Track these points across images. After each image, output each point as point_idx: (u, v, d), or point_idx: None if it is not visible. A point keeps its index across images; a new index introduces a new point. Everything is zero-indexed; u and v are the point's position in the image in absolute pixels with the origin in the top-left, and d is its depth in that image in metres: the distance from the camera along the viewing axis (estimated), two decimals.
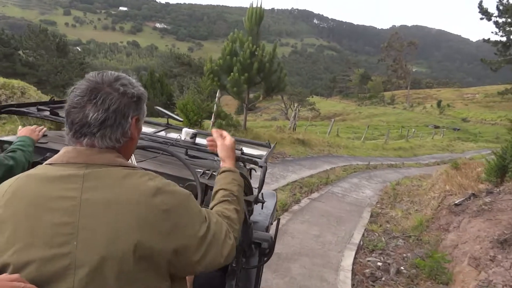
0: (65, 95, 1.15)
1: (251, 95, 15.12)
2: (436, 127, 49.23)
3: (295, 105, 46.56)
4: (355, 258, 4.89)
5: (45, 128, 2.00)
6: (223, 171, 1.40)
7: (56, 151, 1.36)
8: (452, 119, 60.74)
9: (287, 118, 50.81)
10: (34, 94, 6.47)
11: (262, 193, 2.22)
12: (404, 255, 5.10)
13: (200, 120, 10.93)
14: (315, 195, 7.62)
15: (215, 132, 1.56)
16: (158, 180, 1.03)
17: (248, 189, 2.05)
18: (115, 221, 0.92)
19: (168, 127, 2.79)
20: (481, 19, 21.71)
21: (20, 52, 35.77)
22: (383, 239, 5.74)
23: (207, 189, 1.80)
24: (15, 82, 6.72)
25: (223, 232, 1.12)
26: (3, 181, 1.03)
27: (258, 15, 11.20)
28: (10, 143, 1.85)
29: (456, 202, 6.13)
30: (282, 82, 12.08)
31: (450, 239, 5.32)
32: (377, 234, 5.91)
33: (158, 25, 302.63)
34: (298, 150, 12.73)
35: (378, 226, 6.30)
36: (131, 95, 1.04)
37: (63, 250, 0.89)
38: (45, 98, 7.42)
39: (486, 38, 26.53)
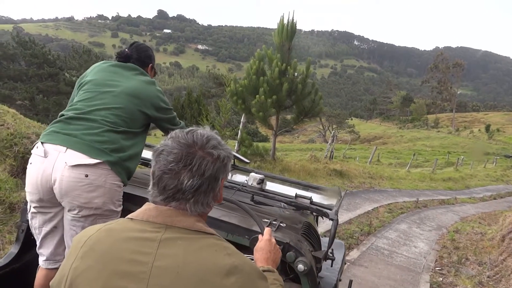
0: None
1: (288, 116, 13.50)
2: (486, 153, 45.79)
3: (333, 130, 44.73)
4: None
5: None
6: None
7: (131, 196, 1.70)
8: (502, 145, 56.52)
9: (325, 140, 48.94)
10: (10, 120, 5.26)
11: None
12: None
13: None
14: (354, 254, 5.88)
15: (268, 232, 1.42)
16: (236, 256, 0.94)
17: (315, 241, 1.90)
18: None
19: (234, 168, 2.66)
20: None
21: (65, 72, 36.24)
22: None
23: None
24: None
25: None
26: None
27: (290, 28, 9.67)
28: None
29: None
30: (317, 105, 10.35)
31: None
32: None
33: (200, 46, 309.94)
34: (334, 184, 10.95)
35: None
36: (222, 158, 1.01)
37: None
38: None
39: None
